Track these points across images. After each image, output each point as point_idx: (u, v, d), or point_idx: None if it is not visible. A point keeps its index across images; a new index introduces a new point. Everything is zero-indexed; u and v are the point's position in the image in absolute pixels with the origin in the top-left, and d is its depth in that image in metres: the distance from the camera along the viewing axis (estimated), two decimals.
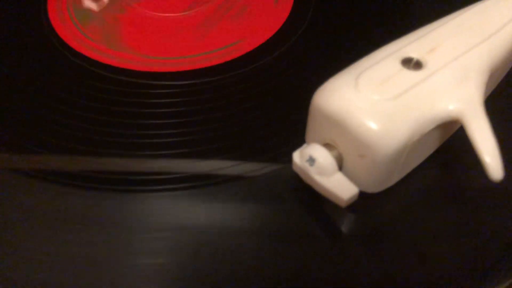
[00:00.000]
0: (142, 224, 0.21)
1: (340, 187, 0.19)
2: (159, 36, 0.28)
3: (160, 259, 0.20)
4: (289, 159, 0.21)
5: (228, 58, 0.27)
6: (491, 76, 0.21)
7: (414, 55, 0.20)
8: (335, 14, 0.30)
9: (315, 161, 0.19)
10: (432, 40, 0.20)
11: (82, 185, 0.22)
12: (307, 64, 0.27)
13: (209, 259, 0.19)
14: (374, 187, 0.20)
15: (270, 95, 0.25)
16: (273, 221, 0.21)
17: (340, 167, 0.20)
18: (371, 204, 0.21)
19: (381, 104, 0.18)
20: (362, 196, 0.20)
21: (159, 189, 0.22)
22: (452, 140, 0.22)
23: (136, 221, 0.21)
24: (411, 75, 0.19)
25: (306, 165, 0.19)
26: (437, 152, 0.22)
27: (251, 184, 0.22)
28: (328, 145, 0.20)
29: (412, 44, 0.20)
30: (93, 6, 0.29)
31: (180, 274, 0.19)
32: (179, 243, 0.20)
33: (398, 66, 0.19)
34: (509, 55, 0.22)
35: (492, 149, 0.18)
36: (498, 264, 0.20)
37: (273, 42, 0.28)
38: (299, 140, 0.21)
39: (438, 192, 0.22)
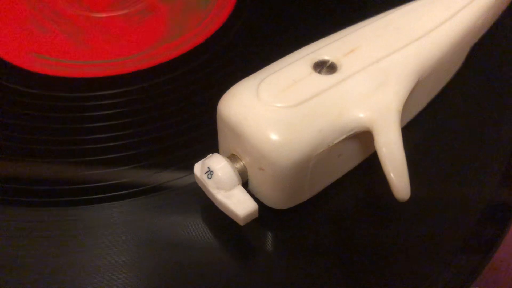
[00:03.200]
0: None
1: (238, 203, 0.17)
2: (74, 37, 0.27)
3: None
4: None
5: (145, 65, 0.25)
6: (421, 84, 0.19)
7: (329, 57, 0.18)
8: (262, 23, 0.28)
9: (213, 174, 0.17)
10: (352, 42, 0.18)
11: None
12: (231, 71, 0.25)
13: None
14: (281, 203, 0.18)
15: (195, 101, 0.24)
16: (187, 237, 0.19)
17: (246, 181, 0.18)
18: (288, 220, 0.19)
19: (282, 111, 0.16)
20: (282, 211, 0.18)
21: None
22: None
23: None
24: (321, 79, 0.17)
25: (204, 178, 0.18)
26: (363, 163, 0.20)
27: (171, 194, 0.20)
28: (233, 157, 0.18)
29: (329, 45, 0.18)
30: None
31: None
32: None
33: (308, 70, 0.18)
34: (443, 59, 0.20)
35: (399, 166, 0.15)
36: (429, 279, 0.18)
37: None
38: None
39: (364, 204, 0.20)
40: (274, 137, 0.16)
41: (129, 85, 0.24)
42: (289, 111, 0.16)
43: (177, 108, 0.23)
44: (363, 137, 0.18)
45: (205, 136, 0.22)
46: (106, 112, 0.23)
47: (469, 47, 0.22)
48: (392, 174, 0.15)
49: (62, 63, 0.25)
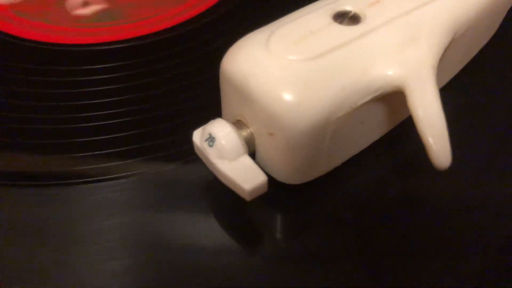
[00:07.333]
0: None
1: (244, 174, 0.14)
2: None
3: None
4: None
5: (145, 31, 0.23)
6: (455, 44, 0.16)
7: (351, 8, 0.15)
8: None
9: (215, 141, 0.15)
10: None
11: None
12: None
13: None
14: (293, 177, 0.15)
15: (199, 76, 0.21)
16: (183, 219, 0.16)
17: (253, 150, 0.16)
18: (302, 199, 0.17)
19: (297, 65, 0.14)
20: (293, 188, 0.16)
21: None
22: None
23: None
24: (343, 30, 0.15)
25: (204, 146, 0.15)
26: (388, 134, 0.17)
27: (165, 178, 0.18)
28: (239, 123, 0.15)
29: None
30: None
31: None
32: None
33: (327, 20, 0.15)
34: (479, 16, 0.17)
35: (439, 129, 0.13)
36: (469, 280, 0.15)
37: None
38: None
39: (390, 185, 0.17)
40: (287, 95, 0.13)
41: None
42: (305, 65, 0.14)
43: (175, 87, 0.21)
44: (390, 101, 0.15)
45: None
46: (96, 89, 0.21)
47: (507, 8, 0.20)
48: (430, 139, 0.13)
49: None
